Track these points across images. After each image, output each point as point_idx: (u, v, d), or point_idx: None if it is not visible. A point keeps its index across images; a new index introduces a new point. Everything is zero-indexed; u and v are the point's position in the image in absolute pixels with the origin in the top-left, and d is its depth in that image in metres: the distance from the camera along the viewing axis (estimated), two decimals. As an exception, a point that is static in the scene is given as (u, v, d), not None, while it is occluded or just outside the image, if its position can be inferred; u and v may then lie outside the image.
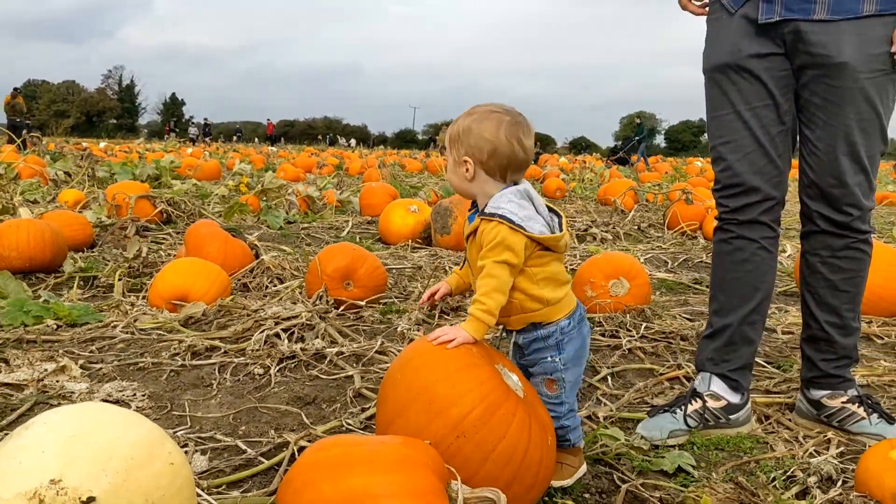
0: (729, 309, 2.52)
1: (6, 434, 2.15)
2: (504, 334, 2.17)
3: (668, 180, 17.21)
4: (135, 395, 2.77)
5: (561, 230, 2.01)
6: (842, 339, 2.53)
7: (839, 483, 2.18)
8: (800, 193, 2.52)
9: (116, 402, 2.71)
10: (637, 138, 32.02)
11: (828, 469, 2.22)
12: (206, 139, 44.27)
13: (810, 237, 2.54)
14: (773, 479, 2.18)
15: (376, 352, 3.27)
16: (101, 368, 3.04)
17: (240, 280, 4.65)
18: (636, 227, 8.04)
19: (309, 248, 6.37)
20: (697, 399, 2.54)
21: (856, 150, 2.35)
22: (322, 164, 18.07)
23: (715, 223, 2.59)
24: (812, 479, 2.18)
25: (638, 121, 33.09)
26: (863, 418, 2.50)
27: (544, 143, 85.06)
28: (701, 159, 38.65)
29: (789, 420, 2.69)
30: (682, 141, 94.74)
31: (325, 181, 12.31)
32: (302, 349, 3.19)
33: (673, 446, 2.44)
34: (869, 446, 2.43)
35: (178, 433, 2.49)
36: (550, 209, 2.06)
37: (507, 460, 1.81)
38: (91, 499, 1.38)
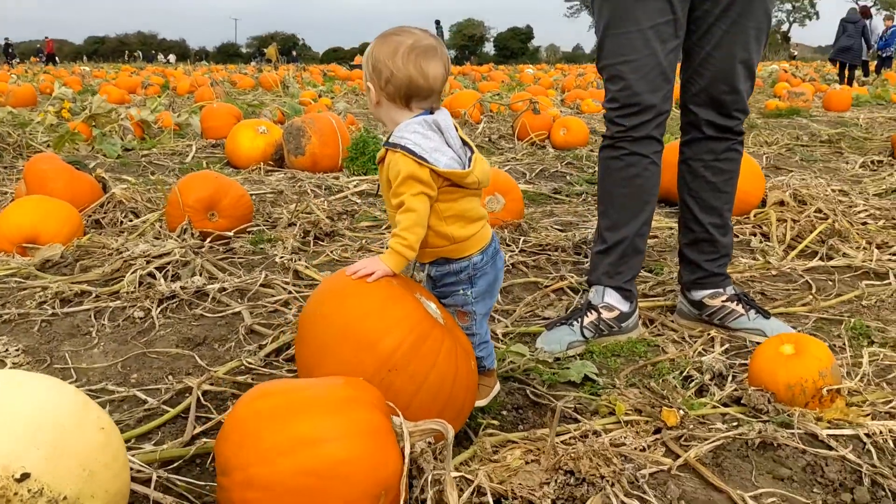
0: (622, 224, 2.60)
1: None
2: (417, 265, 2.14)
3: (506, 89, 17.44)
4: (7, 350, 2.57)
5: (471, 165, 1.97)
6: (722, 238, 2.70)
7: (730, 378, 2.34)
8: (685, 103, 2.61)
9: (-12, 360, 2.51)
10: None
11: (718, 366, 2.38)
12: (11, 62, 40.51)
13: (693, 144, 2.65)
14: (673, 380, 2.31)
15: (261, 285, 3.17)
16: (-40, 324, 2.79)
17: (90, 216, 4.36)
18: (487, 140, 8.12)
19: (155, 178, 6.03)
20: (592, 311, 2.63)
21: (750, 58, 2.48)
22: (147, 84, 17.04)
23: (602, 140, 2.64)
24: (706, 377, 2.33)
25: (437, 26, 32.06)
26: (741, 315, 2.68)
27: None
28: (532, 66, 39.39)
29: (672, 322, 2.85)
30: (511, 48, 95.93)
31: (156, 102, 11.61)
32: (182, 288, 3.05)
33: (573, 357, 2.53)
34: (749, 341, 2.63)
35: (66, 388, 2.34)
36: (464, 143, 2.01)
37: (438, 389, 1.81)
38: (25, 475, 1.27)
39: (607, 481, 1.65)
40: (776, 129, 9.41)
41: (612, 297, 2.64)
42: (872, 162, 6.78)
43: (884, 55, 22.11)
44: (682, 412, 2.03)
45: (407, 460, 1.53)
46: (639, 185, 2.57)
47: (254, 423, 1.50)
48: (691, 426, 2.01)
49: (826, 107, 12.79)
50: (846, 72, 19.74)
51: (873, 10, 21.84)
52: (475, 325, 2.08)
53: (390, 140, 1.90)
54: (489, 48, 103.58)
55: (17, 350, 2.58)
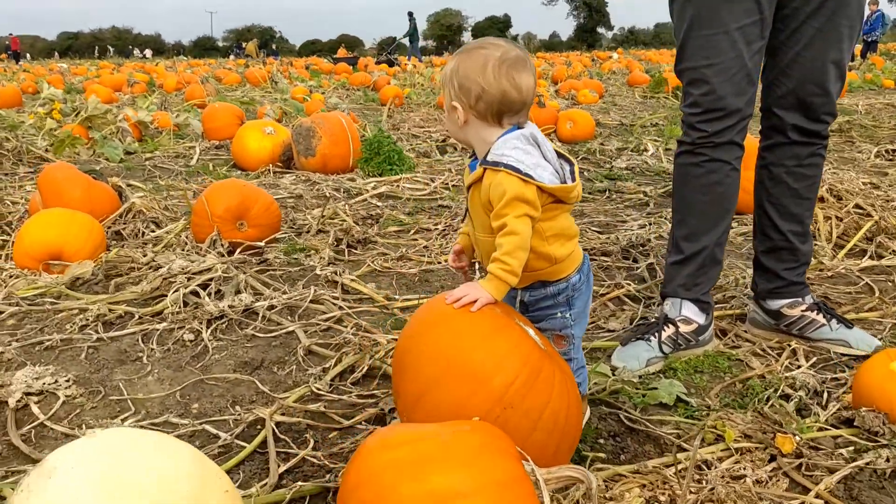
0: (701, 233, 2.49)
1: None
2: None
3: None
4: (57, 381, 2.42)
5: (573, 179, 1.86)
6: (802, 245, 2.59)
7: (825, 395, 2.24)
8: (769, 106, 2.50)
9: (40, 392, 2.36)
10: (404, 37, 30.97)
11: (812, 382, 2.28)
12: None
13: (775, 149, 2.53)
14: (769, 398, 2.21)
15: (311, 301, 3.04)
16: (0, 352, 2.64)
17: (110, 228, 4.20)
18: (493, 134, 7.96)
19: (165, 183, 5.87)
20: (670, 325, 2.53)
21: (842, 58, 2.37)
22: (133, 82, 16.72)
23: (678, 146, 2.53)
24: (801, 394, 2.23)
25: (410, 17, 31.42)
26: (823, 325, 2.58)
27: (352, 45, 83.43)
28: (513, 56, 38.99)
29: (745, 332, 2.74)
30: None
31: (148, 102, 11.39)
32: (230, 306, 2.91)
33: (656, 375, 2.42)
34: (833, 352, 2.53)
35: (127, 423, 2.21)
36: (560, 155, 1.90)
37: (553, 426, 1.70)
38: (160, 554, 1.15)
39: (756, 526, 1.54)
40: (779, 118, 9.33)
41: (690, 310, 2.54)
42: (887, 151, 6.72)
43: (869, 40, 22.16)
44: (797, 438, 1.93)
45: (548, 512, 1.42)
46: (720, 192, 2.46)
47: (388, 477, 1.37)
48: (808, 453, 1.91)
49: (821, 93, 12.74)
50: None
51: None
52: (573, 348, 1.97)
53: (489, 159, 1.78)
54: (467, 38, 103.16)
55: (67, 381, 2.43)
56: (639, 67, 20.41)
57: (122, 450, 1.26)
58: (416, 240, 4.07)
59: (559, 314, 1.92)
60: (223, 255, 3.54)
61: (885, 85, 14.65)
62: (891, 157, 6.51)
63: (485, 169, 1.78)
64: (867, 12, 20.91)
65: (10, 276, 3.46)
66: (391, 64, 24.46)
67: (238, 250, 3.79)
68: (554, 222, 1.84)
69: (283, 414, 2.21)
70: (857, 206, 4.19)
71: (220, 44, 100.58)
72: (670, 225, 2.65)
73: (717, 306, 2.99)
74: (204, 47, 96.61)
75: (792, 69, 2.40)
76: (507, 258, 1.75)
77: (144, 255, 3.64)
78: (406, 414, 1.73)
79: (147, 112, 8.90)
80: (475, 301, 1.75)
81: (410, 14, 31.32)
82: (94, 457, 1.23)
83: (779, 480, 1.82)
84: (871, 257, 3.61)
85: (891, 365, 2.05)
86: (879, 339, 2.61)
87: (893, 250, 3.67)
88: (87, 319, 2.86)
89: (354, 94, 15.05)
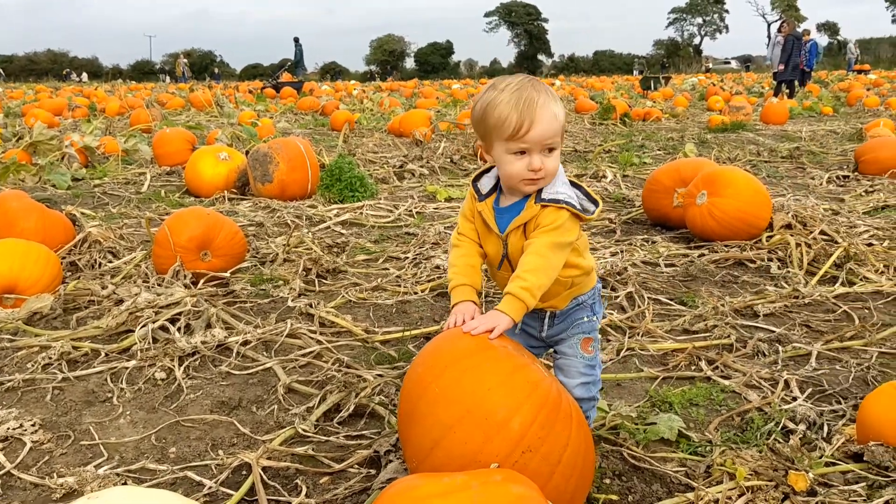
0: None
1: None
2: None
3: (442, 106, 17.29)
4: (22, 426, 2.26)
5: (593, 201, 1.85)
6: None
7: (825, 428, 2.21)
8: None
9: (4, 438, 2.20)
10: (293, 62, 30.72)
11: (812, 415, 2.24)
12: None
13: None
14: (771, 433, 2.17)
15: (287, 335, 2.91)
16: (-43, 396, 2.46)
17: (64, 258, 4.01)
18: (449, 161, 7.93)
19: (116, 210, 5.68)
20: None
21: None
22: (74, 107, 16.29)
23: None
24: (802, 427, 2.19)
25: (296, 43, 30.94)
26: None
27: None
28: (458, 82, 39.46)
29: (734, 362, 2.70)
30: (432, 63, 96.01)
31: (92, 127, 11.07)
32: (202, 342, 2.77)
33: (654, 409, 2.36)
34: (827, 383, 2.50)
35: (102, 470, 2.06)
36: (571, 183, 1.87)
37: (573, 469, 1.62)
38: None
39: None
40: (726, 144, 9.47)
41: None
42: (838, 177, 6.83)
43: (805, 69, 22.72)
44: (810, 475, 1.88)
45: (583, 565, 1.34)
46: None
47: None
48: (822, 490, 1.86)
49: (764, 120, 13.00)
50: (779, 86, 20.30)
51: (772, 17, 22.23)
52: (598, 351, 2.03)
53: (545, 197, 1.78)
54: (410, 63, 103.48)
55: (33, 425, 2.27)
56: (583, 94, 20.66)
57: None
58: (386, 269, 3.97)
59: (586, 318, 1.97)
60: (189, 287, 3.39)
61: (824, 112, 15.04)
62: (842, 184, 6.62)
63: (542, 206, 1.75)
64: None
65: (-40, 311, 3.27)
66: (277, 89, 24.04)
67: (202, 281, 3.65)
68: (583, 238, 1.91)
69: (269, 458, 2.09)
70: (822, 232, 4.22)
71: (158, 67, 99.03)
72: None
73: (700, 335, 2.96)
74: (143, 71, 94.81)
75: None
76: (527, 275, 1.74)
77: (104, 288, 3.48)
78: (417, 461, 1.64)
79: (93, 137, 8.64)
80: (493, 329, 1.69)
81: (296, 40, 31.05)
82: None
83: (797, 520, 1.76)
84: (842, 284, 3.62)
85: (898, 398, 2.02)
86: (866, 368, 2.61)
87: (864, 277, 3.69)
88: (51, 357, 2.69)
89: (303, 118, 14.91)
